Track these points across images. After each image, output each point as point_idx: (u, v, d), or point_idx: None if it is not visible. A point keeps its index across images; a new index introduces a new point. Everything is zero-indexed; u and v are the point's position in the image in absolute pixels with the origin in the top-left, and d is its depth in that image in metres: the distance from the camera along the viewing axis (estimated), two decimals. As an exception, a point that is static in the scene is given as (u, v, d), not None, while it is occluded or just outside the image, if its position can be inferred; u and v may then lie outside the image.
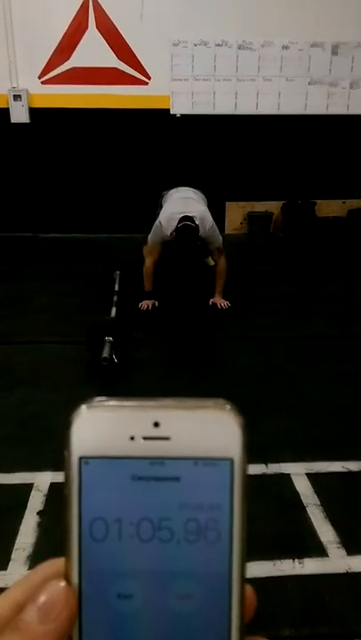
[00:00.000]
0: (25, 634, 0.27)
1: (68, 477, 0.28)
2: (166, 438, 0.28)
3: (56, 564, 0.29)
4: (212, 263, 4.44)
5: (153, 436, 0.28)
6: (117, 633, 0.28)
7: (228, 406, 0.29)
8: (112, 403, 0.29)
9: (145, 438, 0.28)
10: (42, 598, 0.27)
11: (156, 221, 4.06)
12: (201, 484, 0.28)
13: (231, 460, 0.28)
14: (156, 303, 4.25)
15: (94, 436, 0.28)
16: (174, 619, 0.28)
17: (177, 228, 3.83)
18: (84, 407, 0.29)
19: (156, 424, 0.29)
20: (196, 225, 3.85)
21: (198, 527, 0.28)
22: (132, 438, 0.28)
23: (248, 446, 0.29)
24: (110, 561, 0.28)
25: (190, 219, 3.87)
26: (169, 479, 0.28)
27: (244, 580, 0.29)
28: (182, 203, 4.12)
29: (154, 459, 0.28)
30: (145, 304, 4.22)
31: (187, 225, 3.82)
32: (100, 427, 0.29)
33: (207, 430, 0.29)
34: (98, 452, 0.28)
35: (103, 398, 0.29)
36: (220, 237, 4.17)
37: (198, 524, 0.28)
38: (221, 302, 4.30)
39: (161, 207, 4.29)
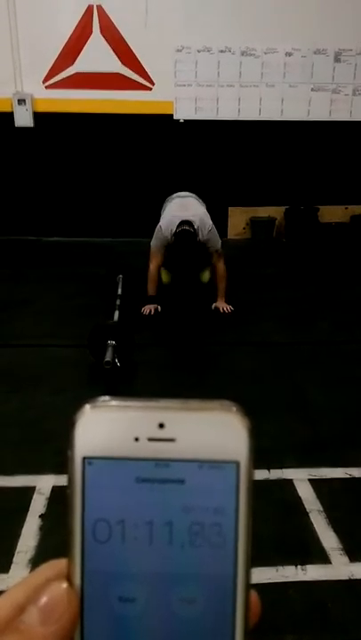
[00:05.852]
0: (26, 636, 0.26)
1: (71, 478, 0.28)
2: (171, 440, 0.28)
3: (58, 565, 0.28)
4: (206, 279, 4.43)
5: (158, 438, 0.28)
6: (120, 636, 0.28)
7: (235, 408, 0.28)
8: (117, 403, 0.29)
9: (150, 439, 0.28)
10: (43, 599, 0.27)
11: (158, 225, 4.07)
12: (206, 487, 0.28)
13: (237, 463, 0.28)
14: (159, 308, 4.23)
15: (98, 436, 0.28)
16: (177, 623, 0.28)
17: (175, 233, 3.84)
18: (88, 407, 0.28)
19: (162, 425, 0.28)
20: (195, 229, 3.85)
21: (203, 530, 0.28)
22: (137, 439, 0.28)
23: (255, 449, 0.28)
24: (113, 563, 0.28)
25: (189, 223, 3.87)
26: (173, 481, 0.28)
27: (249, 585, 0.28)
28: (181, 205, 4.14)
29: (158, 460, 0.28)
30: (147, 308, 4.20)
31: (185, 230, 3.83)
32: (104, 427, 0.28)
33: (213, 432, 0.28)
34: (102, 453, 0.28)
35: (107, 398, 0.29)
36: (220, 241, 4.15)
37: (203, 527, 0.28)
38: (225, 306, 4.27)
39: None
